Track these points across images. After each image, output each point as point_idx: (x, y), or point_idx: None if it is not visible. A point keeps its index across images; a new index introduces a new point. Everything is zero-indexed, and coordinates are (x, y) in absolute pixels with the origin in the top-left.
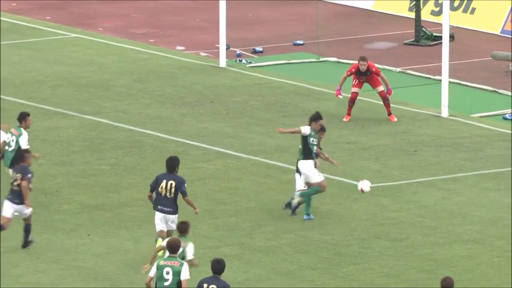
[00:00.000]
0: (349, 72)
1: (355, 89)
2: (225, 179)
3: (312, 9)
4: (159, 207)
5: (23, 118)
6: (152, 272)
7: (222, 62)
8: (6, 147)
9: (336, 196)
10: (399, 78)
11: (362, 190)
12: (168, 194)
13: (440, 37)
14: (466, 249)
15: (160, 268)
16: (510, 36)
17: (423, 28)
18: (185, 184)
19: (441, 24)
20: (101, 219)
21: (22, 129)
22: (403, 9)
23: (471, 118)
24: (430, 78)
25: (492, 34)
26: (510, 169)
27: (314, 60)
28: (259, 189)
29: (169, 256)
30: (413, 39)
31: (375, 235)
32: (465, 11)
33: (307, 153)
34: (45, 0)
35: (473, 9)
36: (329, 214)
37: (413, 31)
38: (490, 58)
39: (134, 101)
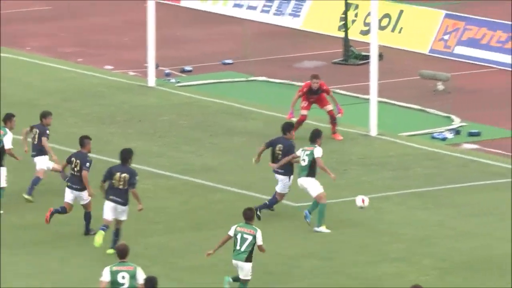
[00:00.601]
0: (300, 93)
1: (304, 112)
2: (155, 199)
3: (240, 29)
4: (110, 197)
5: (8, 118)
6: (106, 277)
7: (151, 81)
8: None
9: (265, 215)
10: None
11: (363, 201)
12: (121, 185)
13: (369, 56)
14: (394, 268)
15: (114, 273)
16: (438, 56)
17: (351, 48)
18: (137, 177)
19: (369, 43)
20: (30, 238)
21: (7, 129)
22: (332, 29)
23: (399, 137)
24: (358, 97)
25: (420, 53)
26: (437, 188)
27: (243, 79)
28: (187, 208)
29: (121, 262)
30: (342, 58)
31: (304, 254)
32: (393, 30)
33: (313, 170)
34: None
35: (401, 29)
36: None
37: (342, 50)
38: (418, 77)
39: (61, 120)
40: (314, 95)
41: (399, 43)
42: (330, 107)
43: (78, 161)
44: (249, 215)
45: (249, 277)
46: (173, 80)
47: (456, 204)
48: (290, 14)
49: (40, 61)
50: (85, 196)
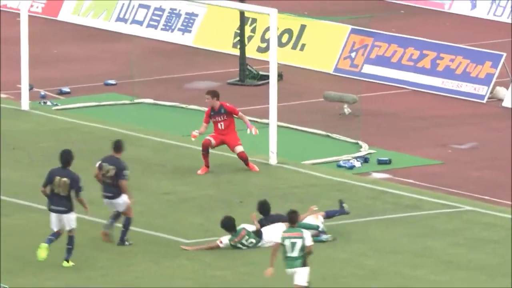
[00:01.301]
0: (205, 116)
1: (208, 137)
2: (28, 235)
3: (126, 46)
4: (52, 207)
5: None
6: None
7: (25, 104)
8: None
9: (154, 254)
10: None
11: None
12: (62, 191)
13: (267, 76)
14: None
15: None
16: (345, 75)
17: (248, 66)
18: (81, 182)
19: (268, 61)
20: None
21: None
22: (227, 46)
23: (303, 166)
24: (256, 121)
25: (325, 72)
26: (345, 221)
27: (128, 101)
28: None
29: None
30: (238, 78)
31: None
32: (294, 47)
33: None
34: None
35: (303, 46)
36: (147, 273)
37: (238, 69)
38: (323, 99)
39: None
40: (219, 116)
41: (301, 61)
42: (239, 148)
43: (112, 167)
44: (293, 219)
45: (306, 283)
46: (49, 103)
47: (366, 240)
48: (180, 30)
49: None
50: (121, 201)
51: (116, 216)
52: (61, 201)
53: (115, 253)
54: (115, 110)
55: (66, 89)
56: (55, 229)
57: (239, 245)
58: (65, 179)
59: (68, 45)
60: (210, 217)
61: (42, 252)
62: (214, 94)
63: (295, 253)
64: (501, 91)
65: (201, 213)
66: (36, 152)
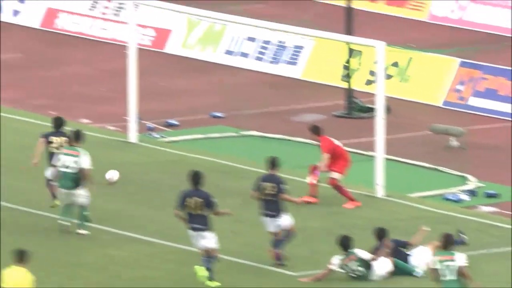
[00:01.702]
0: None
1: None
2: (137, 267)
3: (232, 78)
4: (191, 225)
5: (80, 136)
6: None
7: (133, 136)
8: (64, 169)
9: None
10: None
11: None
12: (197, 211)
13: (374, 109)
14: None
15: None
16: (452, 108)
17: (355, 99)
18: (212, 198)
19: (375, 94)
20: None
21: (79, 149)
22: (334, 78)
23: (409, 199)
24: (363, 154)
25: (432, 105)
26: None
27: (234, 134)
28: (175, 278)
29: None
30: (345, 111)
31: None
32: (402, 80)
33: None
34: None
35: (410, 78)
36: None
37: (345, 102)
38: (429, 132)
39: (30, 180)
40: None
41: (408, 94)
42: (330, 174)
43: (273, 184)
44: (448, 241)
45: None
46: (157, 135)
47: (473, 274)
48: (287, 62)
49: (7, 114)
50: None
51: (286, 235)
52: (198, 220)
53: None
54: (222, 142)
55: (174, 121)
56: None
57: (347, 269)
58: (197, 198)
59: (175, 78)
60: (315, 249)
61: (200, 272)
62: (316, 131)
63: (453, 276)
64: None
65: (306, 245)
66: (144, 184)
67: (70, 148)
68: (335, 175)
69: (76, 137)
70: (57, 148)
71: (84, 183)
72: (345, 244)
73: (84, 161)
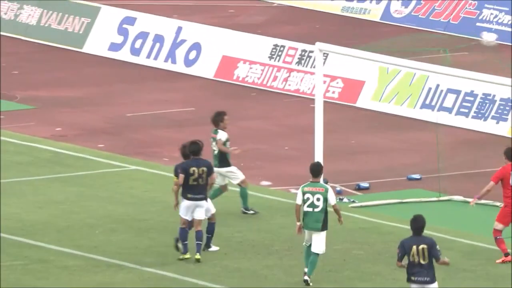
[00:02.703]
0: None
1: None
2: None
3: (431, 136)
4: (413, 278)
5: (220, 119)
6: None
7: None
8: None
9: None
10: None
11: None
12: (420, 260)
13: None
14: None
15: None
16: None
17: None
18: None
19: None
20: None
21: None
22: None
23: None
24: None
25: None
26: None
27: (435, 198)
28: None
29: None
30: None
31: None
32: None
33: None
34: (96, 123)
35: None
36: None
37: None
38: None
39: (206, 250)
40: None
41: None
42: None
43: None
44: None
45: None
46: (346, 200)
47: None
48: (494, 118)
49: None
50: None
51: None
52: (423, 270)
53: None
54: (420, 208)
55: (365, 184)
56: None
57: None
58: (424, 246)
59: (367, 135)
60: None
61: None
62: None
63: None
64: None
65: None
66: (331, 254)
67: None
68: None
69: None
70: None
71: None
72: None
73: None
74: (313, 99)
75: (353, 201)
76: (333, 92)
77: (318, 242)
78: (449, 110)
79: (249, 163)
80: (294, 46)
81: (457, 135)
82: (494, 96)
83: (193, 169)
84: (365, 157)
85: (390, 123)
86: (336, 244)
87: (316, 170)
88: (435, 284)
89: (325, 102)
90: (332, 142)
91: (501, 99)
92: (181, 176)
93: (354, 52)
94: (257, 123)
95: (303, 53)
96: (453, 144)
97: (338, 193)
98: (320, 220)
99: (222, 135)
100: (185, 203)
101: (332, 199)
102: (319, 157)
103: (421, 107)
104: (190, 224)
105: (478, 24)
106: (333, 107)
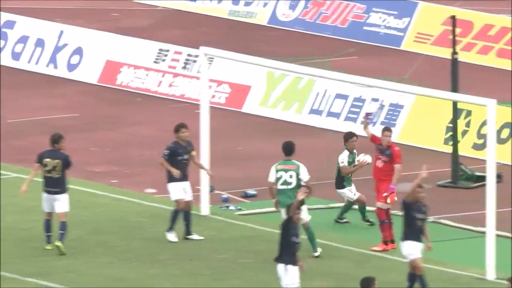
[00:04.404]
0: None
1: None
2: None
3: (319, 141)
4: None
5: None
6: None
7: (204, 209)
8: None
9: None
10: (432, 230)
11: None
12: None
13: (484, 178)
14: None
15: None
16: None
17: (462, 166)
18: None
19: (485, 160)
20: None
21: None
22: (437, 142)
23: None
24: (471, 230)
25: None
26: None
27: (324, 206)
28: None
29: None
30: (449, 180)
31: None
32: None
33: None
34: None
35: None
36: None
37: (449, 169)
38: None
39: (90, 259)
40: (382, 155)
41: None
42: (378, 204)
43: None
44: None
45: None
46: (232, 208)
47: None
48: (382, 123)
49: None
50: None
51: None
52: None
53: None
54: (310, 215)
55: (252, 191)
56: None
57: None
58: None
59: (254, 141)
60: None
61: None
62: (391, 131)
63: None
64: None
65: None
66: (217, 264)
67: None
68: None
69: None
70: None
71: None
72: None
73: None
74: (199, 105)
75: (240, 209)
76: (220, 98)
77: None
78: (337, 116)
79: (134, 169)
80: (179, 51)
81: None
82: (383, 101)
83: (46, 160)
84: (253, 164)
85: (278, 129)
86: (223, 253)
87: (288, 148)
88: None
89: (211, 107)
90: (219, 148)
91: (391, 104)
92: (36, 165)
93: (239, 56)
94: (142, 129)
95: (188, 57)
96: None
97: (224, 200)
98: (294, 197)
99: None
100: (43, 196)
101: (305, 175)
102: (205, 164)
103: (309, 113)
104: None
105: (365, 28)
106: (220, 113)
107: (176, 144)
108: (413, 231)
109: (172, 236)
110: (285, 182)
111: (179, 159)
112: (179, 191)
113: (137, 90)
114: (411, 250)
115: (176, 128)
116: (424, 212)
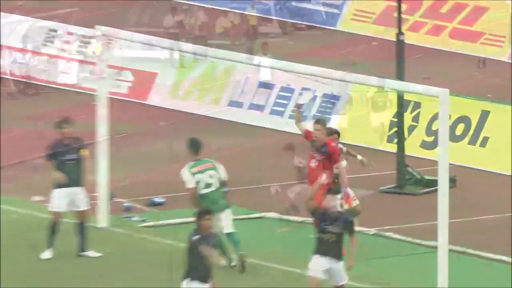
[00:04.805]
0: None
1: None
2: None
3: (242, 140)
4: None
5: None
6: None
7: (102, 220)
8: None
9: None
10: (374, 243)
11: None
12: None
13: (435, 182)
14: None
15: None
16: None
17: (409, 168)
18: None
19: (436, 162)
20: None
21: None
22: (379, 140)
23: None
24: (420, 244)
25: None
26: None
27: (244, 216)
28: None
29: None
30: (395, 185)
31: None
32: (472, 142)
33: None
34: None
35: (485, 140)
36: None
37: (394, 172)
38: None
39: None
40: (318, 154)
41: (481, 161)
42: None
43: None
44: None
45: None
46: (136, 218)
47: None
48: (315, 117)
49: None
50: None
51: None
52: None
53: None
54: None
55: (159, 199)
56: None
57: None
58: None
59: (161, 139)
60: None
61: None
62: (323, 123)
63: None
64: None
65: None
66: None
67: None
68: None
69: None
70: None
71: None
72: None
73: None
74: (95, 96)
75: (145, 220)
76: (120, 87)
77: (227, 221)
78: (262, 109)
79: (16, 173)
80: (71, 31)
81: (277, 139)
82: (316, 91)
83: None
84: (161, 167)
85: (191, 124)
86: (124, 273)
87: (196, 145)
88: None
89: (110, 99)
90: (120, 148)
91: (324, 95)
92: None
93: (144, 38)
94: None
95: (84, 38)
96: (270, 150)
97: (126, 209)
98: (221, 197)
99: None
100: None
101: (223, 173)
102: (103, 168)
103: (228, 105)
104: None
105: (294, 4)
106: (121, 105)
107: (56, 142)
108: (320, 245)
109: (46, 254)
110: (207, 185)
111: (62, 160)
112: (60, 199)
113: (21, 78)
114: (311, 265)
115: (57, 124)
116: (336, 225)
